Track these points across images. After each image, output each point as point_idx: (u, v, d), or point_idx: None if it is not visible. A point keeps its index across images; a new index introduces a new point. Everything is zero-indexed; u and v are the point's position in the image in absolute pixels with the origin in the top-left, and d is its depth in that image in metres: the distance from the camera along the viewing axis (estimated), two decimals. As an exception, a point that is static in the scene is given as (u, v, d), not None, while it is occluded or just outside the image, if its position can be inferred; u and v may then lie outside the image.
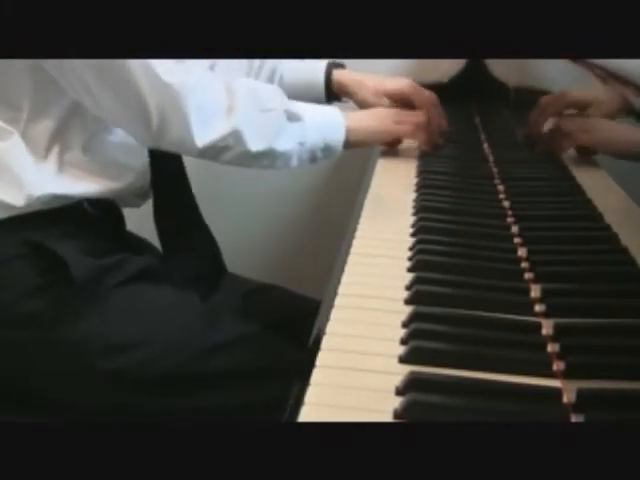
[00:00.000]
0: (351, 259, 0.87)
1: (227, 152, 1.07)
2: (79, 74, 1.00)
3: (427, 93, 1.35)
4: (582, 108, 1.33)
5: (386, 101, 1.34)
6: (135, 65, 0.98)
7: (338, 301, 0.77)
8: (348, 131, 1.18)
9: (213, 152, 1.06)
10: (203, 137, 1.04)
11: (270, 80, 1.35)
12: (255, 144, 1.07)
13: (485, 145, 1.36)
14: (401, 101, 1.33)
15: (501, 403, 0.60)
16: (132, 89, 0.99)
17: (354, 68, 1.39)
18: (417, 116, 1.29)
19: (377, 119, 1.27)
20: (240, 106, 1.06)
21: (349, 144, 1.20)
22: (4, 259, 1.05)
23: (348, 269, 0.84)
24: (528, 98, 1.66)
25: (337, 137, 1.17)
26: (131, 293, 1.07)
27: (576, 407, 0.60)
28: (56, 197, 1.07)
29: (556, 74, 1.54)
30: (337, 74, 1.39)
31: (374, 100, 1.34)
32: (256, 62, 1.34)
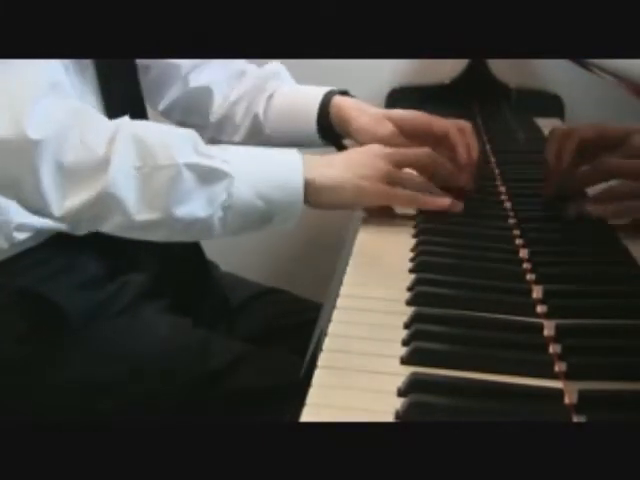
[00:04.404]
0: (352, 260, 0.87)
1: (103, 221, 0.85)
2: None
3: (449, 123, 1.06)
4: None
5: (389, 127, 1.08)
6: None
7: (340, 302, 0.76)
8: (309, 190, 0.87)
9: (84, 221, 0.86)
10: (61, 203, 0.82)
11: (252, 101, 1.22)
12: (140, 211, 0.84)
13: (487, 146, 1.35)
14: (413, 133, 1.08)
15: (502, 404, 0.60)
16: None
17: (355, 68, 1.35)
18: (425, 160, 0.96)
19: (358, 171, 0.89)
20: (116, 162, 0.82)
21: (313, 206, 0.89)
22: None
23: (349, 270, 0.84)
24: (530, 99, 1.67)
25: (288, 197, 0.87)
26: (125, 328, 1.03)
27: (578, 408, 0.59)
28: (37, 229, 0.99)
29: (556, 74, 1.54)
30: (338, 99, 1.16)
31: (374, 127, 1.08)
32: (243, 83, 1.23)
